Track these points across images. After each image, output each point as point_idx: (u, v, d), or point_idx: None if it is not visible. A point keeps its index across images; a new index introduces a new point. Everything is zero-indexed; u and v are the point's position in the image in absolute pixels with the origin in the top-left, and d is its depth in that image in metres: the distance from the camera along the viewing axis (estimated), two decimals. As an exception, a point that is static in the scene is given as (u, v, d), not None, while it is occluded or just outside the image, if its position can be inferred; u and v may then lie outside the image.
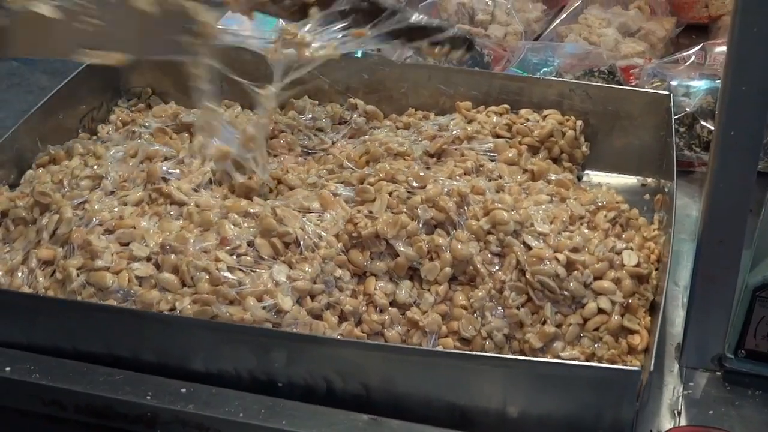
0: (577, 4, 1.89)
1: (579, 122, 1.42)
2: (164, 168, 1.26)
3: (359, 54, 1.68)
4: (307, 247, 1.14)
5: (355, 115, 1.46)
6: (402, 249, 1.15)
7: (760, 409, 1.08)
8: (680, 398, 1.10)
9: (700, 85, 1.55)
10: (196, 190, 1.24)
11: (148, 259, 1.14)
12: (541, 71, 1.65)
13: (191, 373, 1.07)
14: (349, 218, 1.17)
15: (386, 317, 1.13)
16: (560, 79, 1.54)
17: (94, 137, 1.45)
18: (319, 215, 1.20)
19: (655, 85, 1.59)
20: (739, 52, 0.91)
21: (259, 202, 1.22)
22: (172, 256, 1.12)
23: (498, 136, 1.38)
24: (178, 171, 1.27)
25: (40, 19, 1.17)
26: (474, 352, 1.09)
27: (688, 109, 1.50)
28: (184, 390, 1.05)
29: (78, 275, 1.12)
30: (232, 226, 1.16)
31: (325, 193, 1.22)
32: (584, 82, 1.53)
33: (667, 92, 1.42)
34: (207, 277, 1.10)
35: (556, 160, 1.40)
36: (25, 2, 1.17)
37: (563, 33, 1.83)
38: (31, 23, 1.18)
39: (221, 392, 1.05)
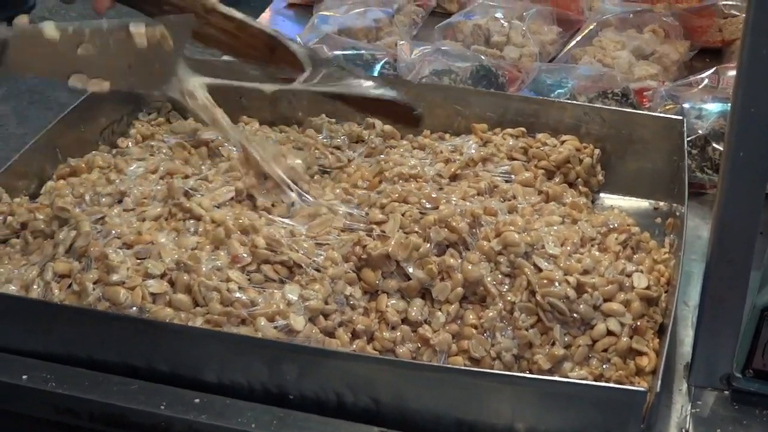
0: (591, 27, 1.91)
1: (597, 150, 1.43)
2: (189, 183, 1.28)
3: (375, 73, 1.70)
4: (310, 266, 1.15)
5: (373, 135, 1.47)
6: (412, 272, 1.16)
7: (767, 428, 1.09)
8: (688, 417, 1.10)
9: (712, 107, 1.56)
10: (218, 207, 1.25)
11: (163, 275, 1.14)
12: (555, 92, 1.66)
13: (204, 383, 1.08)
14: (357, 241, 1.18)
15: (398, 334, 1.14)
16: (575, 102, 1.55)
17: (114, 150, 1.46)
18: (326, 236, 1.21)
19: (668, 107, 1.60)
20: (749, 74, 0.92)
21: (271, 221, 1.23)
22: (185, 276, 1.13)
23: (513, 159, 1.38)
24: (203, 187, 1.28)
25: (38, 39, 1.21)
26: (483, 370, 1.10)
27: (700, 132, 1.51)
28: (197, 400, 1.06)
29: (94, 289, 1.13)
30: (243, 245, 1.17)
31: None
32: (598, 105, 1.54)
33: (680, 117, 1.43)
34: (218, 297, 1.11)
35: (571, 185, 1.40)
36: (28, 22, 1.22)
37: (578, 55, 1.84)
38: (29, 42, 1.21)
39: (234, 403, 1.06)
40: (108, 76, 1.27)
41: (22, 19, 1.22)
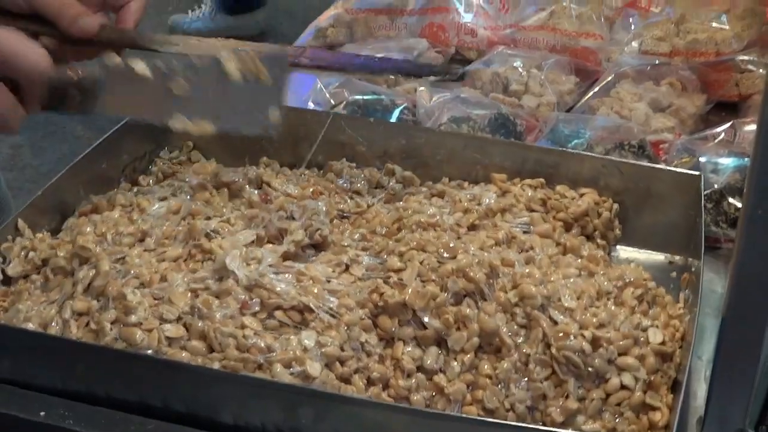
0: (609, 79, 1.92)
1: (615, 205, 1.44)
2: (211, 225, 1.29)
3: (394, 119, 1.72)
4: (320, 309, 1.16)
5: (392, 182, 1.49)
6: (429, 321, 1.16)
7: (778, 485, 1.09)
8: (700, 470, 1.11)
9: (728, 162, 1.56)
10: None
11: (179, 319, 1.15)
12: (573, 143, 1.67)
13: (220, 425, 1.09)
14: (374, 288, 1.19)
15: (413, 382, 1.14)
16: (594, 155, 1.56)
17: (135, 188, 1.47)
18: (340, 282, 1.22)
19: (684, 160, 1.61)
20: (768, 131, 0.93)
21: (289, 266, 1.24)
22: (200, 323, 1.14)
23: (532, 211, 1.39)
24: (226, 230, 1.29)
25: (131, 77, 1.19)
26: (497, 420, 1.10)
27: (716, 186, 1.51)
28: (213, 442, 1.07)
29: (111, 329, 1.14)
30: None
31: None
32: (616, 157, 1.55)
33: (698, 172, 1.44)
34: (234, 342, 1.11)
35: (589, 238, 1.41)
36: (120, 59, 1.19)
37: (595, 106, 1.85)
38: (121, 81, 1.19)
39: (249, 446, 1.07)
40: (209, 117, 1.24)
41: (113, 58, 1.19)
